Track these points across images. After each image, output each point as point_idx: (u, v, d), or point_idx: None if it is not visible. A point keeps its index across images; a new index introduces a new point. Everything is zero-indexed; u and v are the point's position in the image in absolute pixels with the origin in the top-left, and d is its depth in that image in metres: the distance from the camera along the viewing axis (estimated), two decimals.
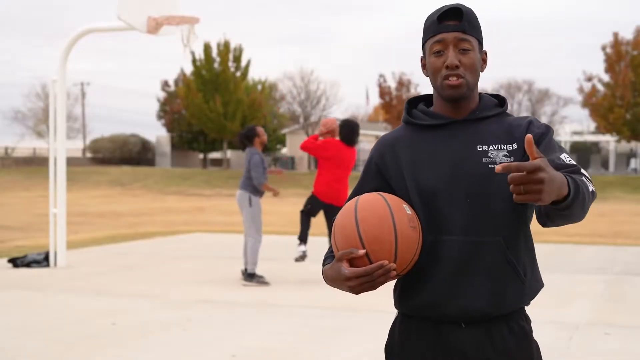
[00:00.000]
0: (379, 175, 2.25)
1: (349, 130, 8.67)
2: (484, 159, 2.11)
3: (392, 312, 7.36)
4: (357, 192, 2.28)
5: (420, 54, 2.26)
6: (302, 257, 8.78)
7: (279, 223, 17.92)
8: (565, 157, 2.09)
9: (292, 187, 33.65)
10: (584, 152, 51.05)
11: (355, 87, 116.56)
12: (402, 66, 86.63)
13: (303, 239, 8.85)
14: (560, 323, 6.45)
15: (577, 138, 56.32)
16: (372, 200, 2.10)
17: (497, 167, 1.78)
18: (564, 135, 58.25)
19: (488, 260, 2.08)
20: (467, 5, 2.17)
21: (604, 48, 41.41)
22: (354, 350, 5.81)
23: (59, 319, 6.86)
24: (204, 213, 21.48)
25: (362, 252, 2.02)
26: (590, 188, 2.01)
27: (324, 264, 2.21)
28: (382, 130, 54.90)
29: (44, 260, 10.11)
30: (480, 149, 2.12)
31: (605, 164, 50.35)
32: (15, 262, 10.06)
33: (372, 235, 2.02)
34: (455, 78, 2.11)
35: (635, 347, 5.95)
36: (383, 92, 48.21)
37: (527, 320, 2.19)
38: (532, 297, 2.16)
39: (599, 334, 6.28)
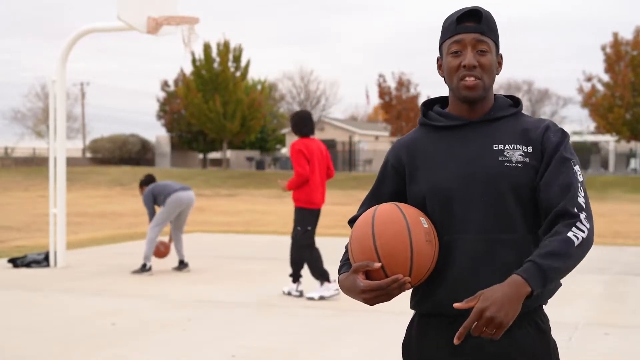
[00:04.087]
0: (396, 178, 2.26)
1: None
2: (500, 158, 2.13)
3: (392, 313, 7.39)
4: (374, 195, 2.29)
5: (436, 54, 2.26)
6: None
7: (278, 223, 17.93)
8: (576, 191, 2.07)
9: None
10: (584, 152, 50.98)
11: (355, 87, 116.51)
12: (402, 66, 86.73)
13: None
14: (560, 323, 6.44)
15: (576, 138, 56.27)
16: (390, 213, 2.10)
17: (455, 340, 1.95)
18: None
19: (504, 259, 2.09)
20: (485, 8, 2.19)
21: (603, 48, 41.37)
22: (354, 350, 5.81)
23: (59, 319, 6.86)
24: (203, 213, 21.47)
25: (377, 265, 2.04)
26: (581, 234, 2.01)
27: (339, 272, 2.21)
28: (381, 130, 54.87)
29: (44, 260, 10.12)
30: (496, 148, 2.14)
31: (604, 164, 50.30)
32: (15, 262, 10.06)
33: (388, 250, 2.04)
34: (472, 79, 2.12)
35: (634, 347, 5.96)
36: (383, 92, 48.16)
37: (545, 318, 2.21)
38: (550, 296, 2.18)
39: (599, 334, 6.28)
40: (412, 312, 2.30)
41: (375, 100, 78.62)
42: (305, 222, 7.74)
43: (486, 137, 2.16)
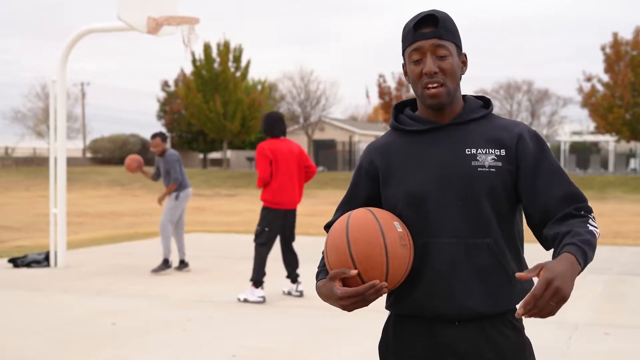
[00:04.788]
0: (370, 182, 2.27)
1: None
2: (473, 162, 2.14)
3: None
4: (349, 200, 2.31)
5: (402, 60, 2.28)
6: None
7: None
8: (569, 184, 2.13)
9: None
10: (584, 152, 51.01)
11: (355, 87, 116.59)
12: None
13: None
14: (560, 323, 6.45)
15: (576, 138, 56.28)
16: (363, 218, 2.11)
17: (519, 311, 1.89)
18: (563, 135, 58.26)
19: (479, 262, 2.12)
20: (442, 11, 2.19)
21: (603, 48, 41.38)
22: (354, 350, 5.82)
23: (59, 319, 6.87)
24: (203, 213, 21.48)
25: (354, 272, 2.05)
26: (597, 230, 2.07)
27: (317, 278, 2.22)
28: (381, 131, 54.90)
29: (44, 260, 10.12)
30: (469, 152, 2.15)
31: (604, 164, 50.27)
32: (16, 262, 10.07)
33: (363, 256, 2.05)
34: (435, 85, 2.13)
35: (635, 347, 5.96)
36: (382, 92, 48.18)
37: (519, 319, 2.22)
38: (521, 298, 2.19)
39: (599, 334, 6.28)
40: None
41: (375, 100, 78.66)
42: (265, 222, 7.75)
43: (458, 141, 2.16)
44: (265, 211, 7.78)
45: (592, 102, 41.76)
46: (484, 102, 2.28)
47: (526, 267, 2.23)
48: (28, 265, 10.01)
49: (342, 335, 6.30)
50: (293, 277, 8.00)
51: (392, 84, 48.31)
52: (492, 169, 2.13)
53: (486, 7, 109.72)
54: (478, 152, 2.14)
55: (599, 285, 8.71)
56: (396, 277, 2.08)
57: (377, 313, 7.06)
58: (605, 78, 41.76)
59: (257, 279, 7.67)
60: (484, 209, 2.12)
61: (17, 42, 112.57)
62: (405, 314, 2.21)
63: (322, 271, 2.22)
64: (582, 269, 1.97)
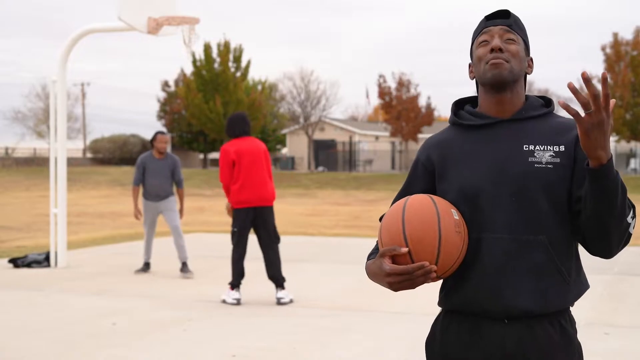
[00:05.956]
0: (427, 176, 2.27)
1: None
2: (530, 159, 2.13)
3: (391, 312, 7.34)
4: (405, 193, 2.30)
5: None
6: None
7: (277, 223, 17.89)
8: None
9: (292, 187, 33.64)
10: None
11: (355, 87, 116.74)
12: (402, 66, 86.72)
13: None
14: None
15: None
16: (421, 201, 2.11)
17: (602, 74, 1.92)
18: None
19: (531, 259, 2.09)
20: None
21: (603, 48, 41.42)
22: (354, 350, 5.81)
23: (59, 319, 6.87)
24: (204, 213, 21.49)
25: (404, 250, 2.04)
26: (631, 214, 2.11)
27: (368, 259, 2.23)
28: (381, 131, 54.86)
29: (44, 261, 10.12)
30: (527, 148, 2.14)
31: None
32: (16, 262, 10.07)
33: (416, 236, 2.04)
34: (499, 60, 2.14)
35: (635, 347, 5.96)
36: (382, 92, 48.18)
37: (571, 320, 2.18)
38: (576, 299, 2.16)
39: (599, 333, 6.29)
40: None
41: (375, 100, 78.63)
42: (235, 223, 7.68)
43: (516, 137, 2.16)
44: (235, 212, 7.71)
45: None
46: (545, 101, 2.28)
47: (581, 267, 2.20)
48: (28, 265, 10.02)
49: (342, 335, 6.30)
50: (278, 281, 7.67)
51: (392, 84, 48.30)
52: (550, 165, 2.11)
53: (487, 7, 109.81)
54: (536, 148, 2.13)
55: (599, 285, 8.71)
56: (447, 263, 2.06)
57: (377, 313, 7.06)
58: None
59: (233, 282, 7.62)
60: (539, 206, 2.10)
61: (17, 42, 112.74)
62: (454, 309, 2.20)
63: (374, 253, 2.23)
64: (611, 167, 2.04)
